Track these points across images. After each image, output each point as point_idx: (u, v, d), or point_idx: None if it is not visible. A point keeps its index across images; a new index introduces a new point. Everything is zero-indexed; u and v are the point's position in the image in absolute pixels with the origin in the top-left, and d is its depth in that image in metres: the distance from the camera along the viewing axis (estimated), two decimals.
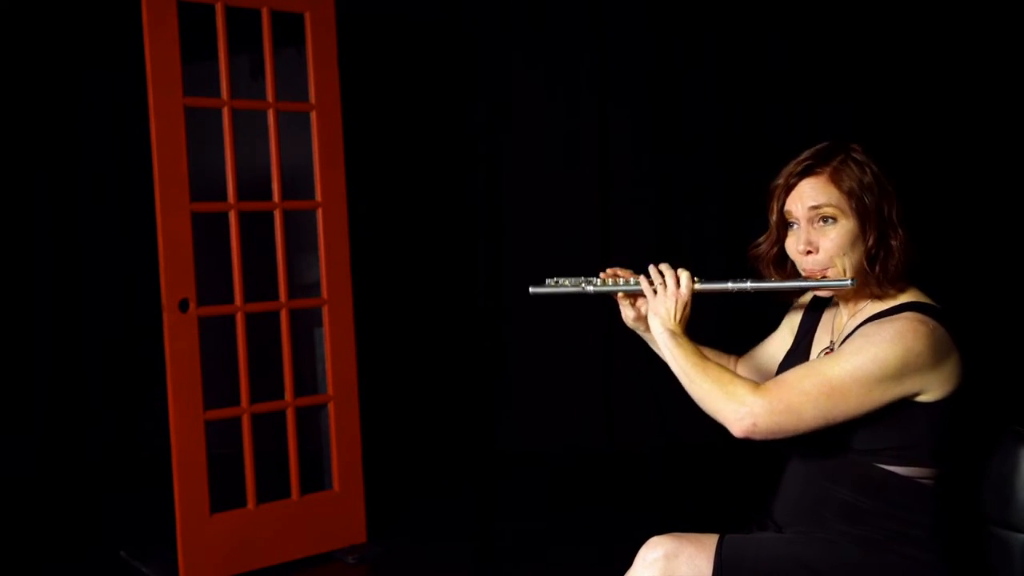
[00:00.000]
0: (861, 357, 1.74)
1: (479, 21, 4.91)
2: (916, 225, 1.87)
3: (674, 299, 1.95)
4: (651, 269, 2.01)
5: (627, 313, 2.12)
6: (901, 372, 1.73)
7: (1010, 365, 4.18)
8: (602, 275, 2.10)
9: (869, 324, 1.83)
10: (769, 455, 2.04)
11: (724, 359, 2.21)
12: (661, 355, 2.13)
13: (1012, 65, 4.43)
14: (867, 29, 4.63)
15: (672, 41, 4.83)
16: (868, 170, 1.86)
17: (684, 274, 1.97)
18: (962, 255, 4.43)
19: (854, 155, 1.88)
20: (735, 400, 1.76)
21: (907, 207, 1.87)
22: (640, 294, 2.05)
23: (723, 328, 3.64)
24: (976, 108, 4.51)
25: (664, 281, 1.97)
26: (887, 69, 4.62)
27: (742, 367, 2.20)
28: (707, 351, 2.11)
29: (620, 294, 2.09)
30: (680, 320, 1.94)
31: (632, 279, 2.05)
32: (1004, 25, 4.44)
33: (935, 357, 1.76)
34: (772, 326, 2.23)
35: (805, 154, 1.91)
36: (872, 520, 1.82)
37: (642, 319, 2.10)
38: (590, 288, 2.06)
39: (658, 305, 1.96)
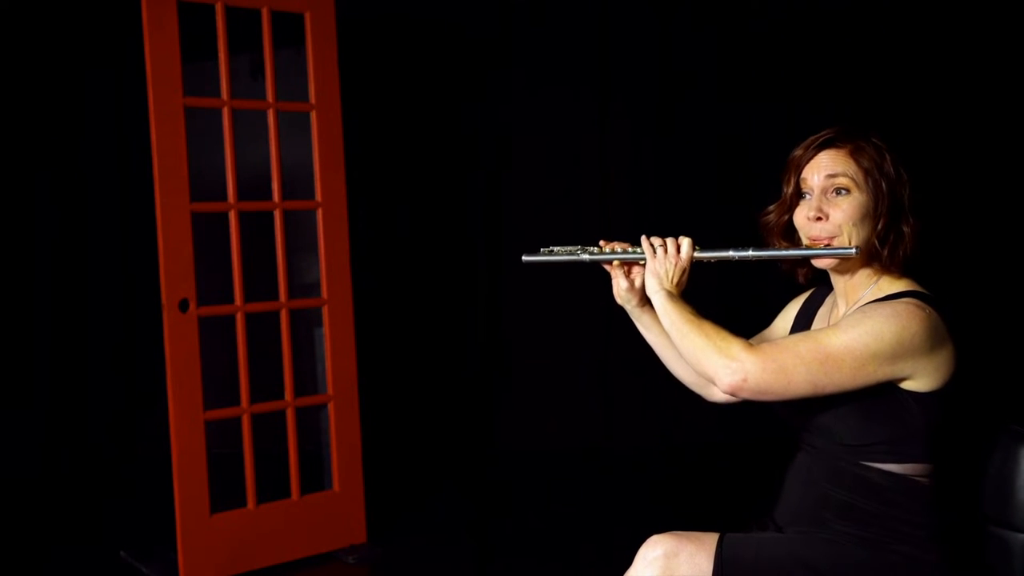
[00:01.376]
0: (858, 330, 1.75)
1: (479, 21, 4.91)
2: (927, 219, 1.88)
3: (674, 262, 1.96)
4: (652, 238, 2.00)
5: (620, 284, 2.09)
6: (895, 351, 1.74)
7: (1009, 364, 4.18)
8: (601, 242, 2.08)
9: (868, 305, 1.84)
10: (769, 455, 2.05)
11: None
12: (645, 331, 2.12)
13: (1008, 59, 4.43)
14: (866, 27, 4.64)
15: (672, 40, 4.83)
16: (887, 156, 1.88)
17: (685, 240, 1.98)
18: (960, 251, 4.43)
19: (874, 139, 1.90)
20: (727, 355, 1.76)
21: (921, 198, 1.88)
22: (638, 262, 2.04)
23: (718, 313, 3.63)
24: (975, 103, 4.52)
25: (665, 245, 1.97)
26: (886, 66, 4.62)
27: None
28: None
29: (615, 263, 2.08)
30: (677, 283, 1.95)
31: (630, 248, 2.04)
32: (1000, 21, 4.45)
33: (930, 343, 1.76)
34: (770, 317, 2.22)
35: (825, 130, 1.93)
36: (872, 520, 1.82)
37: (635, 291, 2.08)
38: (586, 256, 2.05)
39: (657, 266, 1.96)
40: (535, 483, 4.52)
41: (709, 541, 1.85)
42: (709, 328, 1.82)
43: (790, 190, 1.95)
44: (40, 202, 4.79)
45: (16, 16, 4.64)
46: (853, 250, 1.83)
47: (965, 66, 4.53)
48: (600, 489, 4.42)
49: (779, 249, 1.97)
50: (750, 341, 1.83)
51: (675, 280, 1.95)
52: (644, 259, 2.00)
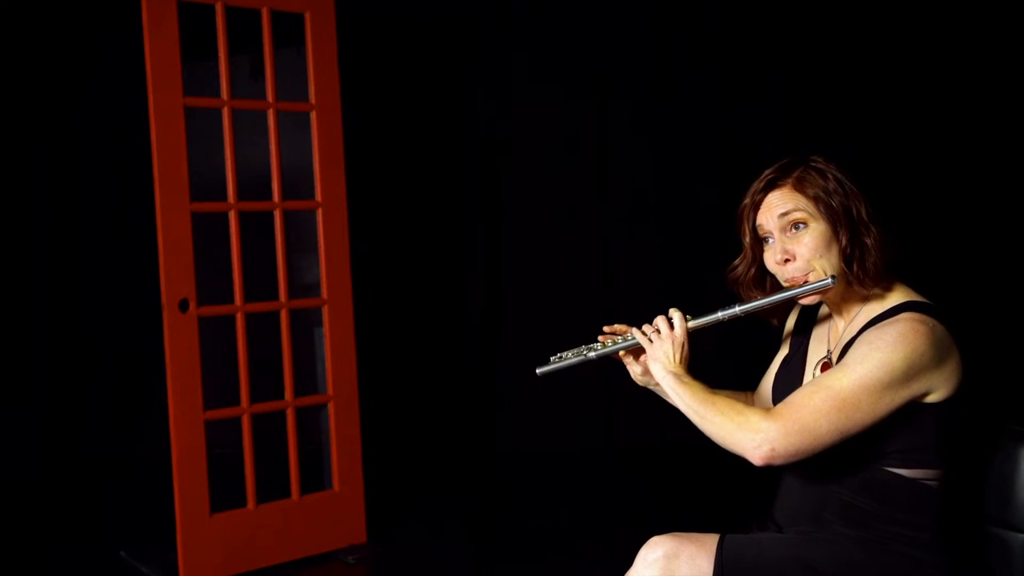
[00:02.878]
0: (866, 365, 1.74)
1: (479, 20, 4.91)
2: (890, 222, 1.88)
3: (670, 341, 1.96)
4: (644, 326, 2.02)
5: (634, 371, 2.13)
6: (908, 374, 1.74)
7: (1009, 364, 4.18)
8: (600, 338, 2.11)
9: (869, 331, 1.82)
10: None
11: (739, 396, 2.20)
12: (675, 405, 2.14)
13: (1007, 65, 4.43)
14: (865, 27, 4.64)
15: (672, 40, 4.83)
16: (830, 175, 1.89)
17: (676, 314, 1.98)
18: (956, 254, 4.43)
19: (813, 164, 1.91)
20: (749, 429, 1.75)
21: (876, 205, 1.88)
22: (639, 347, 2.05)
23: (726, 366, 3.62)
24: (972, 107, 4.51)
25: (657, 328, 1.98)
26: (883, 68, 4.62)
27: (757, 400, 2.20)
28: (722, 393, 2.09)
29: (623, 353, 2.10)
30: (680, 361, 1.95)
31: (628, 335, 2.06)
32: (997, 23, 4.44)
33: (938, 356, 1.76)
34: (770, 352, 2.22)
35: (765, 172, 1.94)
36: (874, 522, 1.82)
37: (650, 374, 2.09)
38: (592, 355, 2.09)
39: (656, 351, 1.96)
40: (535, 483, 4.52)
41: (709, 542, 1.84)
42: (724, 405, 1.82)
43: (748, 240, 1.97)
44: (40, 202, 4.79)
45: (16, 15, 4.64)
46: (830, 280, 1.85)
47: (963, 65, 4.52)
48: (600, 489, 4.42)
49: (763, 298, 1.97)
50: (766, 389, 1.81)
51: (677, 359, 1.95)
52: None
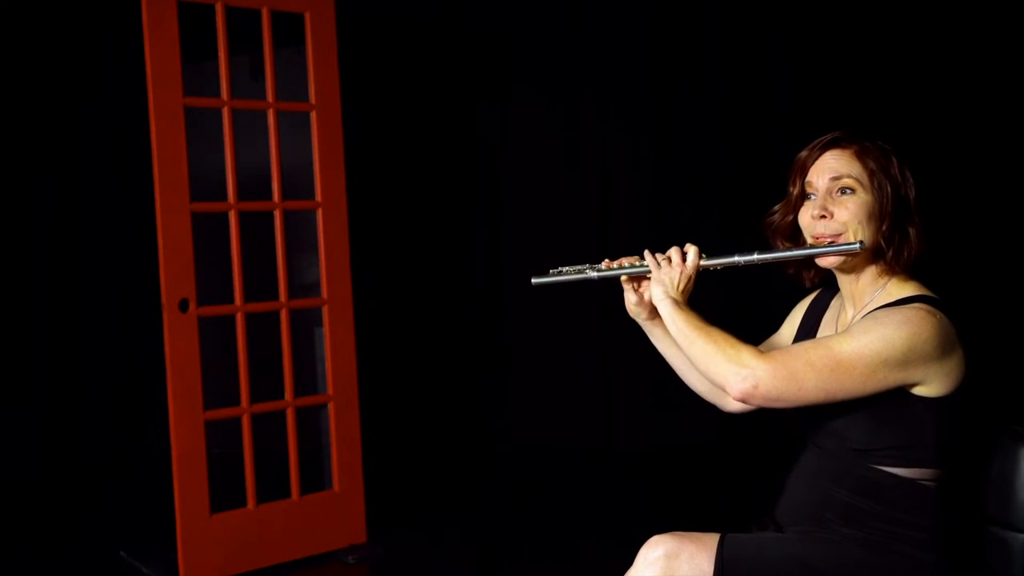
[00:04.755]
0: (869, 336, 1.75)
1: (479, 22, 4.91)
2: (931, 221, 1.89)
3: (679, 270, 1.96)
4: (657, 253, 2.01)
5: (630, 298, 2.10)
6: (907, 356, 1.74)
7: (1009, 364, 4.18)
8: (605, 262, 2.09)
9: (878, 310, 1.83)
10: (769, 455, 2.05)
11: None
12: (657, 343, 2.13)
13: (1012, 60, 4.42)
14: (865, 28, 4.63)
15: (673, 41, 4.83)
16: (893, 158, 1.90)
17: (692, 248, 1.98)
18: (962, 253, 4.42)
19: (880, 142, 1.92)
20: (737, 362, 1.76)
21: (925, 201, 1.89)
22: (645, 276, 2.04)
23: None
24: (983, 105, 4.50)
25: (668, 256, 1.98)
26: (886, 68, 4.62)
27: None
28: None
29: (624, 278, 2.08)
30: (682, 291, 1.95)
31: (637, 261, 2.04)
32: (1001, 21, 4.44)
33: (941, 348, 1.76)
34: (775, 320, 2.22)
35: (835, 131, 1.94)
36: (874, 522, 1.82)
37: (644, 304, 2.09)
38: (594, 274, 2.05)
39: (662, 275, 1.96)
40: (535, 483, 4.51)
41: (710, 541, 1.84)
42: (718, 335, 1.82)
43: (796, 191, 1.96)
44: (40, 202, 4.79)
45: (16, 15, 4.64)
46: (857, 245, 1.84)
47: (967, 65, 4.52)
48: (600, 489, 4.42)
49: (784, 250, 1.97)
50: (759, 348, 1.82)
51: (680, 287, 1.95)
52: (650, 271, 2.00)
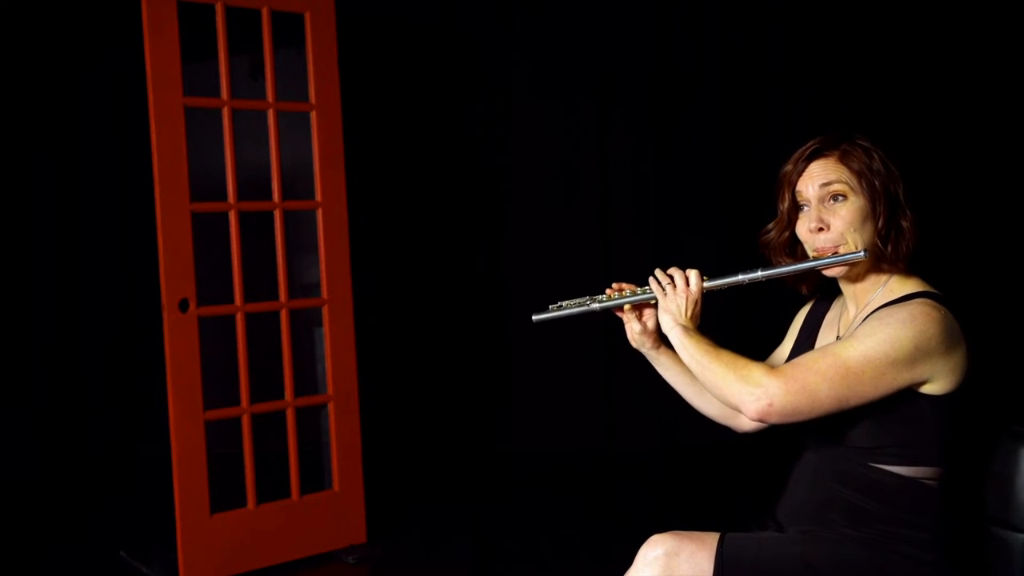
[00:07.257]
0: (875, 339, 1.75)
1: (479, 22, 4.91)
2: (922, 211, 1.90)
3: (684, 296, 1.96)
4: (658, 273, 2.01)
5: (633, 328, 2.11)
6: (914, 355, 1.74)
7: (1010, 363, 4.18)
8: (607, 291, 2.10)
9: (881, 309, 1.84)
10: (769, 455, 2.05)
11: None
12: (664, 372, 2.14)
13: (1010, 55, 4.43)
14: (865, 24, 4.64)
15: (673, 41, 4.83)
16: (875, 155, 1.90)
17: (693, 273, 1.98)
18: (963, 250, 4.43)
19: (860, 142, 1.92)
20: (750, 382, 1.76)
21: (914, 191, 1.89)
22: (648, 303, 2.05)
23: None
24: (978, 102, 4.51)
25: (673, 281, 1.98)
26: (885, 62, 4.62)
27: None
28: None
29: (626, 308, 2.08)
30: (691, 316, 1.95)
31: (639, 290, 2.04)
32: (1000, 18, 4.44)
33: (946, 344, 1.77)
34: (778, 331, 2.22)
35: (811, 141, 1.95)
36: (877, 522, 1.82)
37: (648, 333, 2.09)
38: (596, 306, 2.06)
39: (668, 303, 1.97)
40: (535, 483, 4.51)
41: (710, 540, 1.84)
42: (728, 357, 1.82)
43: (786, 206, 1.96)
44: (40, 202, 4.79)
45: (16, 15, 4.64)
46: (862, 253, 1.85)
47: (966, 59, 4.52)
48: (600, 489, 4.42)
49: (787, 265, 1.97)
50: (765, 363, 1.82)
51: (689, 313, 1.95)
52: (654, 299, 2.01)
